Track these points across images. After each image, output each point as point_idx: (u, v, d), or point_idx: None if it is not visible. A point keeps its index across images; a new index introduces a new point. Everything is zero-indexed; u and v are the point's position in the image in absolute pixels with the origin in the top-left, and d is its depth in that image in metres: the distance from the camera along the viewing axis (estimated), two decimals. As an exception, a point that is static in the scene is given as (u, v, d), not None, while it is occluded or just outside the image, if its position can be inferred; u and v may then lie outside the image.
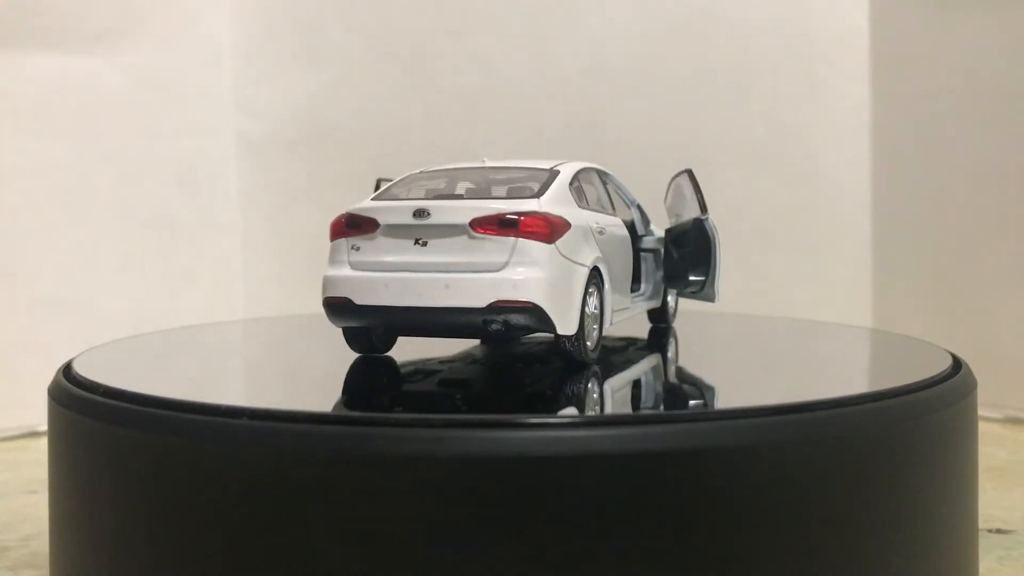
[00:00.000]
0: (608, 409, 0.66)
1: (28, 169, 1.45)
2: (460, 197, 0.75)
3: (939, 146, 1.51)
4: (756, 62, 1.58)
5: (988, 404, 1.12)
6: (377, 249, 0.72)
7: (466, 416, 0.63)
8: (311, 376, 0.85)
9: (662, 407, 0.69)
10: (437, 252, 0.70)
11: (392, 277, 0.70)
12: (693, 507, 0.54)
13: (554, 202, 0.72)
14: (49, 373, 0.74)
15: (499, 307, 0.68)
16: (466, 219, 0.70)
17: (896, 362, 0.88)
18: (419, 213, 0.70)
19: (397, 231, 0.71)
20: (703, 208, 0.85)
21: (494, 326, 0.69)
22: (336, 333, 1.00)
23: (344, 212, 0.74)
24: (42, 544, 0.91)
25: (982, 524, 0.80)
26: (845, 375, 0.85)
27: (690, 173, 0.87)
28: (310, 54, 1.63)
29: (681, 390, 0.74)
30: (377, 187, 0.95)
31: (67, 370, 0.72)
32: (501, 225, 0.69)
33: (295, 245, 1.62)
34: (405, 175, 0.81)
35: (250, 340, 1.08)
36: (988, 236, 1.46)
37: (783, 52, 1.58)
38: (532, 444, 0.53)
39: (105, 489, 0.62)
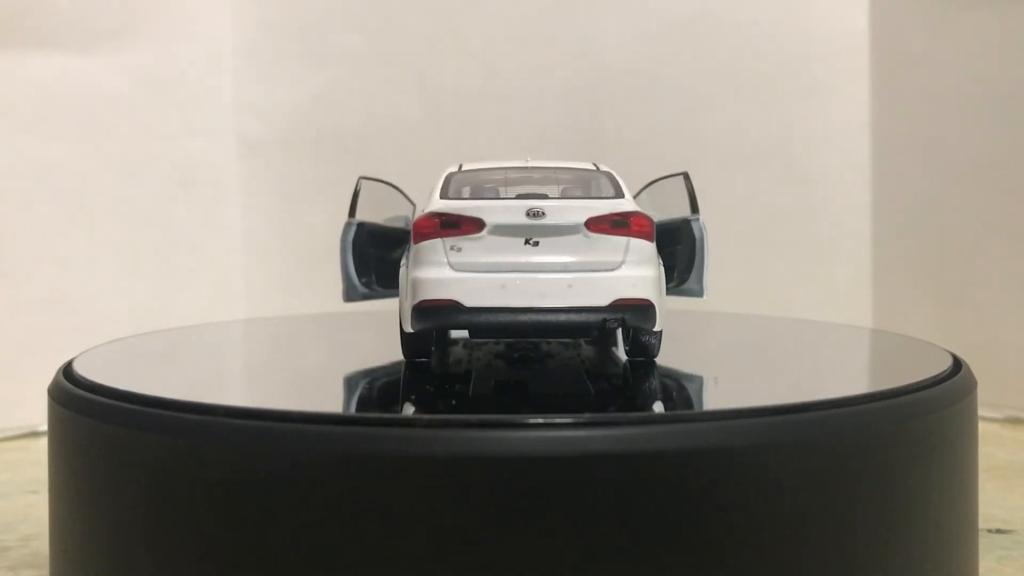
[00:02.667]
0: (608, 409, 0.66)
1: (28, 169, 1.45)
2: (544, 196, 0.74)
3: (939, 146, 1.51)
4: (756, 62, 1.58)
5: (988, 404, 1.12)
6: (483, 249, 0.70)
7: (466, 416, 0.63)
8: (311, 376, 0.85)
9: (662, 407, 0.69)
10: (551, 252, 0.70)
11: (509, 278, 0.69)
12: (693, 507, 0.54)
13: (634, 202, 0.74)
14: (49, 373, 0.73)
15: (619, 306, 0.69)
16: (581, 219, 0.70)
17: (896, 362, 0.88)
18: (533, 213, 0.69)
19: (506, 231, 0.70)
20: (695, 209, 0.85)
21: (612, 324, 0.70)
22: (336, 333, 1.01)
23: (431, 212, 0.71)
24: (42, 544, 0.91)
25: (982, 524, 0.80)
26: (845, 375, 0.85)
27: (686, 176, 0.88)
28: (310, 54, 1.63)
29: (681, 390, 0.74)
30: (358, 186, 0.95)
31: (67, 370, 0.72)
32: (613, 225, 0.70)
33: (295, 245, 1.62)
34: (446, 173, 0.79)
35: (250, 340, 1.08)
36: (988, 236, 1.46)
37: (783, 52, 1.58)
38: (532, 444, 0.53)
39: (105, 489, 0.62)
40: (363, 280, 0.92)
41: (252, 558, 0.56)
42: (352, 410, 0.69)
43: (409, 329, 0.72)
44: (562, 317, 0.69)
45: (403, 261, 0.94)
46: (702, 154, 1.57)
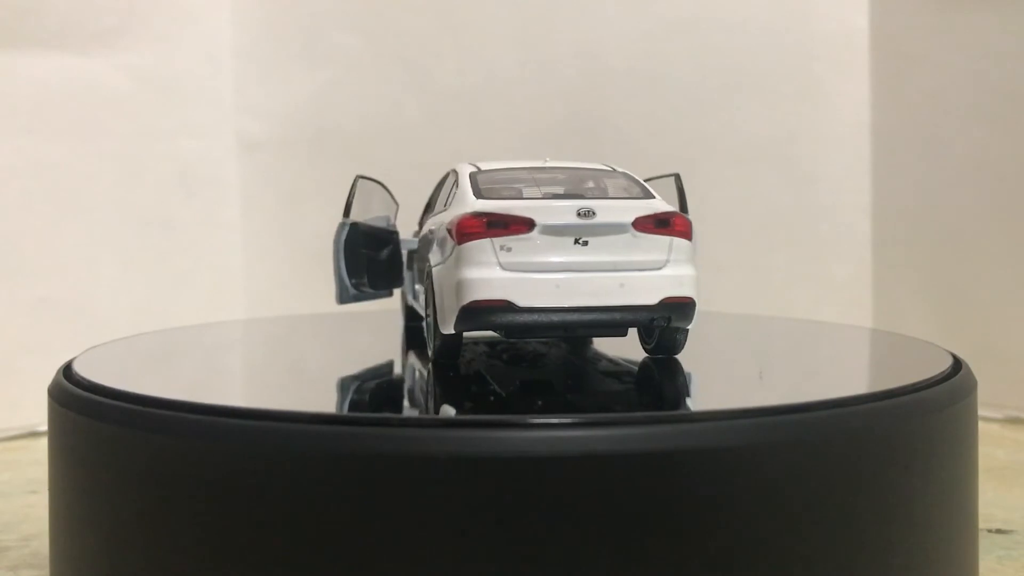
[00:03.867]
0: (608, 409, 0.66)
1: (28, 169, 1.45)
2: (581, 196, 0.75)
3: (939, 146, 1.51)
4: (756, 62, 1.58)
5: (988, 404, 1.12)
6: (534, 249, 0.69)
7: (466, 416, 0.63)
8: (311, 376, 0.85)
9: (662, 407, 0.69)
10: (601, 251, 0.70)
11: (563, 277, 0.69)
12: (693, 507, 0.54)
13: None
14: (49, 373, 0.73)
15: (667, 304, 0.70)
16: (629, 218, 0.70)
17: (896, 362, 0.88)
18: (583, 212, 0.70)
19: (556, 230, 0.70)
20: (684, 209, 0.85)
21: (658, 322, 0.72)
22: (336, 333, 1.01)
23: (476, 212, 0.71)
24: (42, 544, 0.91)
25: (982, 524, 0.80)
26: (845, 375, 0.85)
27: (677, 177, 0.88)
28: (310, 54, 1.63)
29: (681, 390, 0.74)
30: (355, 184, 0.95)
31: (67, 370, 0.72)
32: (657, 224, 0.71)
33: (295, 245, 1.62)
34: (467, 172, 0.79)
35: (250, 340, 1.08)
36: (988, 236, 1.46)
37: (783, 52, 1.58)
38: (532, 444, 0.53)
39: (105, 489, 0.62)
40: (355, 281, 0.92)
41: (252, 558, 0.56)
42: (356, 410, 0.69)
43: (450, 330, 0.71)
44: (614, 316, 0.70)
45: (410, 262, 0.94)
46: (702, 154, 1.57)
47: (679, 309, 0.71)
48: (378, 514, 0.54)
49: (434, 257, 0.75)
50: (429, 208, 0.96)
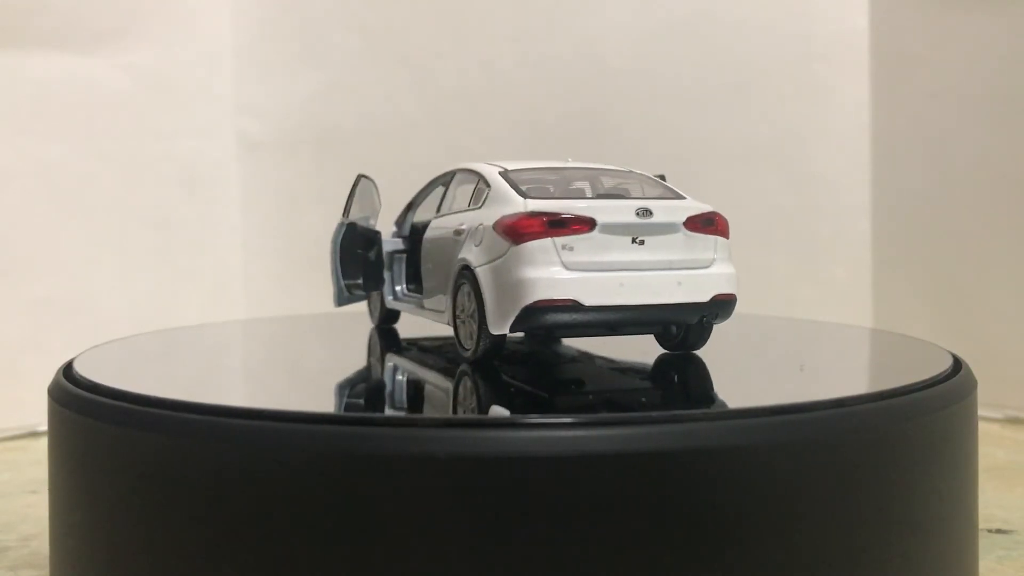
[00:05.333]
0: (608, 409, 0.66)
1: (28, 169, 1.45)
2: (622, 196, 0.76)
3: (939, 146, 1.51)
4: (756, 62, 1.58)
5: (988, 404, 1.12)
6: (595, 248, 0.70)
7: (466, 416, 0.63)
8: (311, 376, 0.85)
9: (662, 407, 0.69)
10: (656, 250, 0.71)
11: (626, 276, 0.70)
12: (693, 507, 0.54)
13: None
14: (49, 373, 0.73)
15: (717, 301, 0.73)
16: (681, 218, 0.72)
17: (896, 362, 0.88)
18: (641, 212, 0.71)
19: (615, 229, 0.70)
20: None
21: (708, 319, 0.74)
22: (336, 333, 1.01)
23: (534, 211, 0.71)
24: (42, 544, 0.91)
25: (982, 524, 0.80)
26: (845, 375, 0.85)
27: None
28: (310, 54, 1.63)
29: (681, 390, 0.74)
30: (356, 183, 0.95)
31: (67, 370, 0.72)
32: (704, 224, 0.73)
33: (295, 245, 1.62)
34: (494, 171, 0.78)
35: (250, 340, 1.08)
36: (988, 236, 1.46)
37: (783, 52, 1.58)
38: (532, 444, 0.53)
39: (105, 489, 0.62)
40: (349, 282, 0.91)
41: (252, 558, 0.56)
42: (356, 411, 0.69)
43: (503, 331, 0.71)
44: (670, 314, 0.72)
45: (390, 263, 0.93)
46: (702, 154, 1.57)
47: (725, 306, 0.74)
48: (378, 514, 0.54)
49: (475, 257, 0.74)
50: (412, 207, 0.96)
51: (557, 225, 0.70)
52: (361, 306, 1.02)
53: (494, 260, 0.72)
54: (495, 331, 0.71)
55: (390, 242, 0.95)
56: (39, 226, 1.46)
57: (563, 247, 0.69)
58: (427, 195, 0.93)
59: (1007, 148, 1.43)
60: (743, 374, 0.81)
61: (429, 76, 1.61)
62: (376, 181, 0.96)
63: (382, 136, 1.60)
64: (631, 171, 0.82)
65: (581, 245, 0.70)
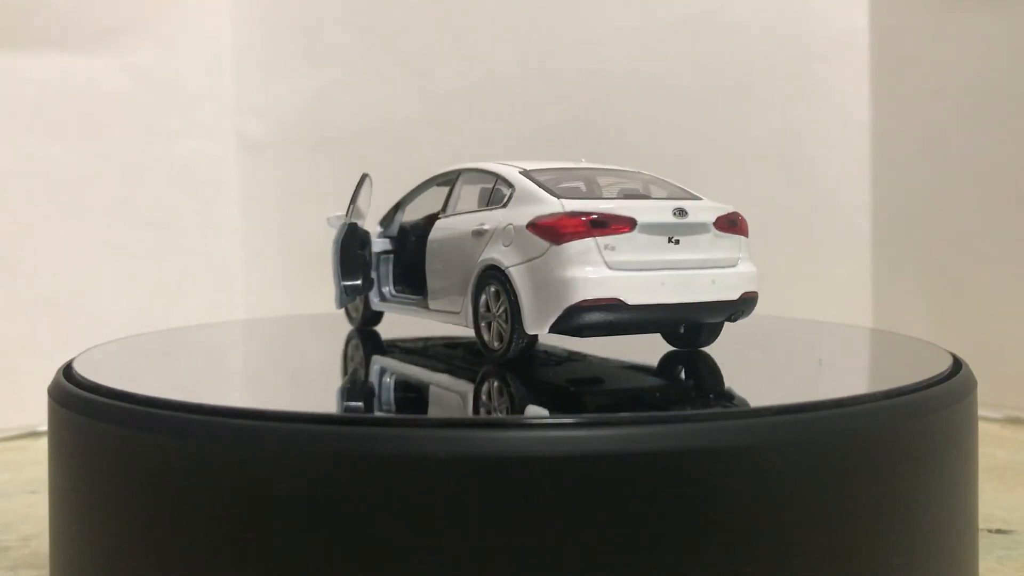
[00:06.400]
0: (608, 409, 0.66)
1: (28, 169, 1.45)
2: (647, 196, 0.77)
3: (939, 146, 1.51)
4: (756, 62, 1.58)
5: (988, 404, 1.12)
6: (636, 248, 0.71)
7: (466, 416, 0.63)
8: (311, 376, 0.85)
9: (662, 407, 0.69)
10: (690, 249, 0.73)
11: (666, 275, 0.71)
12: (693, 507, 0.54)
13: None
14: (49, 373, 0.73)
15: (745, 298, 0.75)
16: (712, 218, 0.74)
17: (896, 362, 0.88)
18: (678, 212, 0.72)
19: (654, 229, 0.72)
20: None
21: (735, 317, 0.76)
22: (336, 333, 1.01)
23: (574, 211, 0.71)
24: (42, 544, 0.91)
25: (982, 524, 0.80)
26: (845, 375, 0.85)
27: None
28: (310, 54, 1.63)
29: (681, 390, 0.74)
30: (361, 182, 0.94)
31: (67, 370, 0.72)
32: (729, 224, 0.75)
33: (295, 245, 1.62)
34: (514, 171, 0.79)
35: (250, 340, 1.08)
36: (988, 236, 1.46)
37: (783, 52, 1.58)
38: (532, 444, 0.53)
39: (105, 489, 0.62)
40: (348, 283, 0.91)
41: (252, 558, 0.56)
42: (352, 410, 0.68)
43: (542, 330, 0.71)
44: (704, 312, 0.74)
45: (377, 264, 0.93)
46: (702, 154, 1.57)
47: (751, 304, 0.76)
48: (378, 514, 0.53)
49: (505, 257, 0.74)
50: (400, 208, 0.95)
51: (599, 225, 0.70)
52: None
53: (531, 260, 0.72)
54: (532, 331, 0.72)
55: (377, 242, 0.94)
56: (39, 226, 1.46)
57: (605, 247, 0.70)
58: (417, 196, 0.93)
59: (1007, 148, 1.43)
60: (743, 374, 0.81)
61: (429, 76, 1.61)
62: (373, 181, 0.96)
63: (382, 136, 1.60)
64: (639, 172, 0.83)
65: (622, 245, 0.71)
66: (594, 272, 0.70)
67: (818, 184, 1.60)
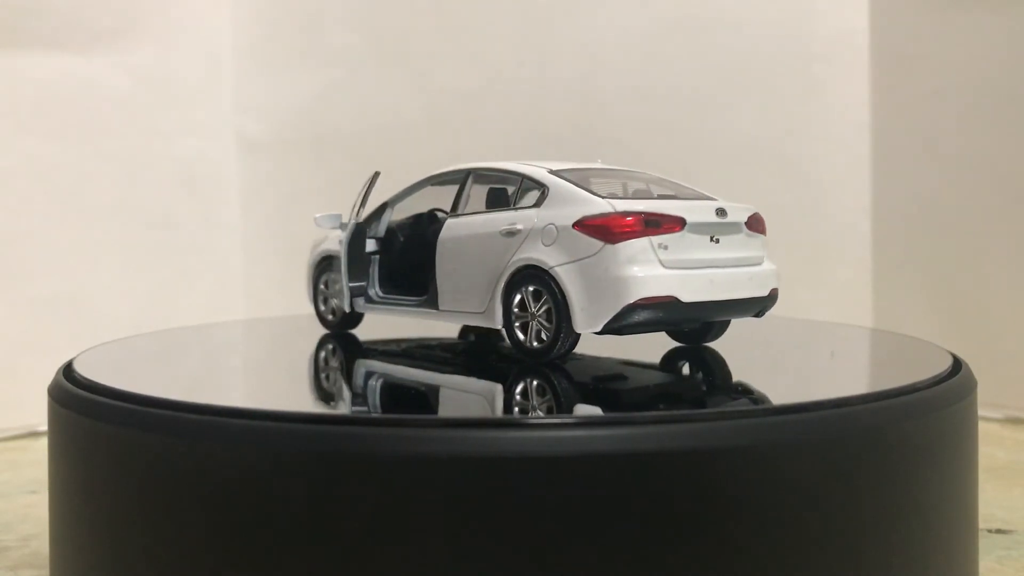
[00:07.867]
0: (608, 409, 0.66)
1: (28, 169, 1.45)
2: (675, 197, 0.78)
3: (939, 146, 1.51)
4: (756, 62, 1.58)
5: (988, 404, 1.12)
6: (685, 247, 0.73)
7: (466, 416, 0.63)
8: (311, 376, 0.84)
9: (662, 407, 0.69)
10: (728, 248, 0.76)
11: (714, 272, 0.74)
12: (693, 507, 0.54)
13: None
14: (49, 373, 0.73)
15: (771, 295, 0.78)
16: (744, 217, 0.77)
17: (896, 362, 0.88)
18: (720, 211, 0.75)
19: (699, 229, 0.74)
20: None
21: (761, 312, 0.79)
22: (336, 334, 1.01)
23: (627, 211, 0.72)
24: (42, 544, 0.91)
25: (982, 524, 0.80)
26: (845, 375, 0.85)
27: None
28: (310, 54, 1.63)
29: (681, 390, 0.74)
30: (373, 180, 0.93)
31: (67, 370, 0.72)
32: (755, 223, 0.78)
33: (295, 245, 1.61)
34: (542, 172, 0.79)
35: (250, 340, 1.08)
36: (988, 236, 1.46)
37: (783, 52, 1.58)
38: (532, 444, 0.53)
39: (105, 489, 0.62)
40: (358, 283, 0.90)
41: (252, 558, 0.56)
42: (351, 410, 0.68)
43: (595, 329, 0.72)
44: (742, 308, 0.77)
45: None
46: (702, 154, 1.57)
47: (774, 300, 0.79)
48: (378, 514, 0.53)
49: (548, 257, 0.73)
50: (387, 208, 0.93)
51: (652, 224, 0.72)
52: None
53: (581, 259, 0.72)
54: (582, 330, 0.72)
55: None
56: (39, 226, 1.46)
57: (659, 246, 0.72)
58: (408, 196, 0.91)
59: (1007, 148, 1.43)
60: (743, 374, 0.81)
61: (429, 76, 1.61)
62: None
63: (382, 136, 1.60)
64: (645, 172, 0.84)
65: (674, 244, 0.72)
66: (652, 271, 0.71)
67: (818, 184, 1.60)
